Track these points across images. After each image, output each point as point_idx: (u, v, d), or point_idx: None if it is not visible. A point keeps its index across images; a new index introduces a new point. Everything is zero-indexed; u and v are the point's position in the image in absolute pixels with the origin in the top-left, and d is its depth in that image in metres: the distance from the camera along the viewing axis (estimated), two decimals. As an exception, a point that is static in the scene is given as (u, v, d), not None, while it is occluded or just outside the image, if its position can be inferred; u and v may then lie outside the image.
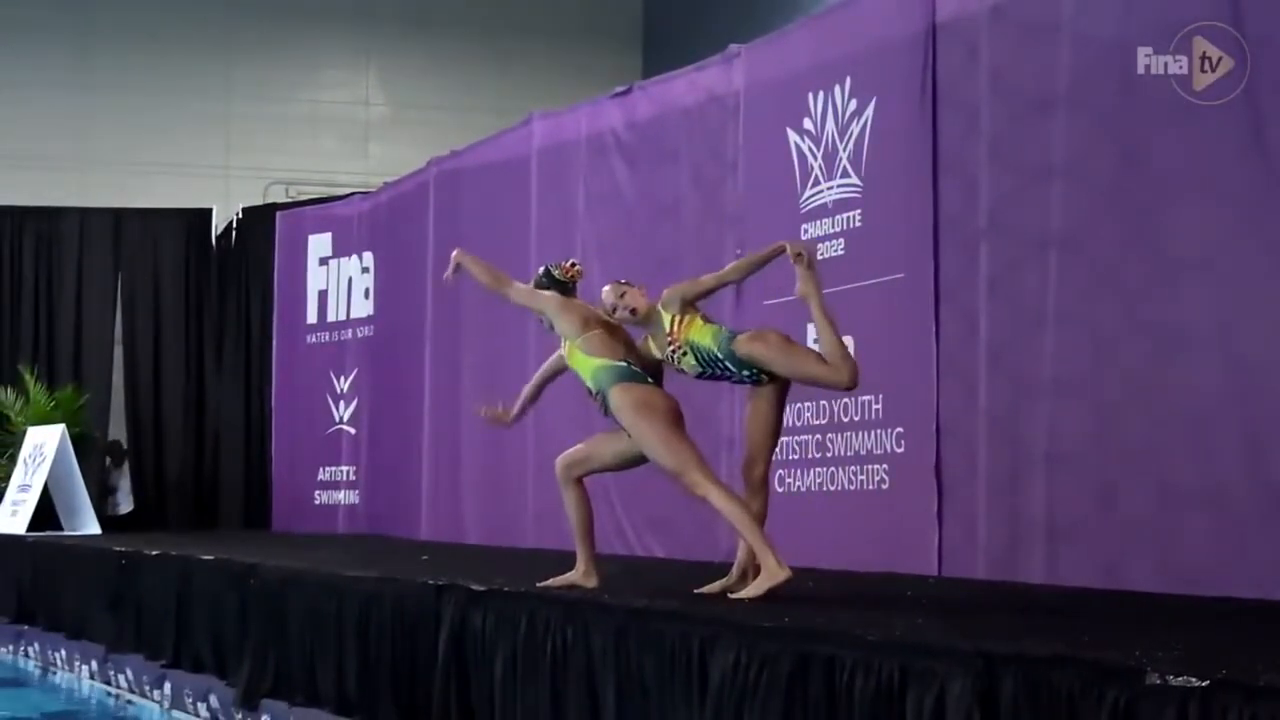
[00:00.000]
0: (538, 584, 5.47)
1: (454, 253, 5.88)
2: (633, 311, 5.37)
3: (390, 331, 12.51)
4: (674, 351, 5.32)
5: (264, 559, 7.53)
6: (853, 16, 7.78)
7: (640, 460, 5.39)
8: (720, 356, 5.27)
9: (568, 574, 5.52)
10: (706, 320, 5.36)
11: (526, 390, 5.89)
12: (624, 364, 5.34)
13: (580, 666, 4.84)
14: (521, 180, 10.46)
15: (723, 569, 5.70)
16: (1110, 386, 6.25)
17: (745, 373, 5.27)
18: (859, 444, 7.48)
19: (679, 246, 8.84)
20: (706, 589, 5.39)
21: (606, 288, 5.46)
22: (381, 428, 12.65)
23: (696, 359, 5.29)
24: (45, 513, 12.22)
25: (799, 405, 7.53)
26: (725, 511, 5.16)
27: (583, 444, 5.55)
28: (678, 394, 5.40)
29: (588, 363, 5.37)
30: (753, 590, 5.05)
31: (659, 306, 5.36)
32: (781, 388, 5.35)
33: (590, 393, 5.47)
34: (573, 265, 5.63)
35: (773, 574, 5.02)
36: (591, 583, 5.46)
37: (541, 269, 5.66)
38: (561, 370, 5.72)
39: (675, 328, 5.33)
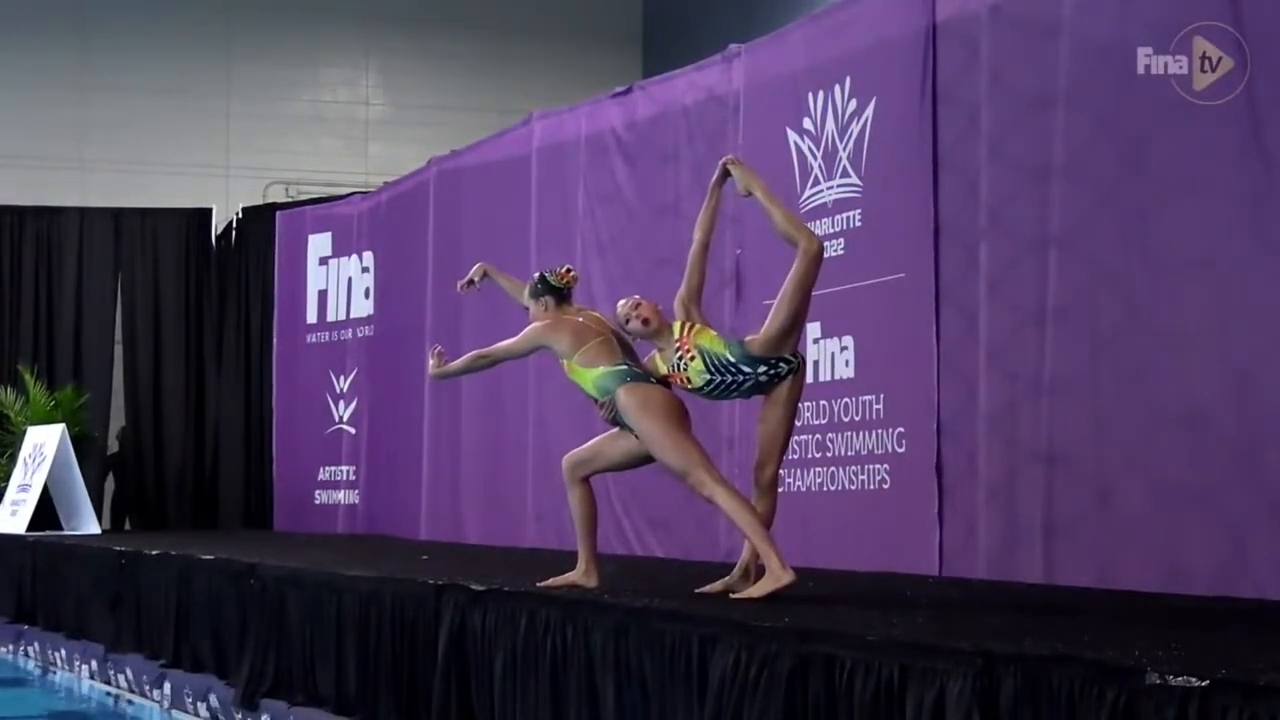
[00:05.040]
0: (538, 584, 5.47)
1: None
2: (644, 322, 5.37)
3: (390, 331, 12.51)
4: (681, 358, 5.31)
5: (264, 559, 7.53)
6: (852, 16, 7.77)
7: (647, 460, 5.39)
8: (733, 360, 5.25)
9: (568, 574, 5.53)
10: (718, 333, 5.38)
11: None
12: (624, 366, 5.36)
13: (580, 666, 4.83)
14: (521, 180, 10.46)
15: (723, 569, 5.70)
16: (1110, 386, 6.25)
17: (761, 369, 5.25)
18: (859, 444, 7.48)
19: (679, 246, 8.77)
20: (708, 588, 5.39)
21: (620, 301, 5.48)
22: (381, 427, 12.64)
23: (705, 363, 5.27)
24: (45, 513, 12.22)
25: (799, 405, 7.52)
26: (730, 511, 5.16)
27: (590, 443, 5.57)
28: (681, 395, 5.41)
29: (588, 374, 5.38)
30: (755, 591, 5.06)
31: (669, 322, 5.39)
32: (793, 391, 5.34)
33: (597, 403, 5.47)
34: (568, 271, 5.65)
35: (777, 576, 5.02)
36: (592, 582, 5.46)
37: (537, 275, 5.68)
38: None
39: (685, 334, 5.35)
